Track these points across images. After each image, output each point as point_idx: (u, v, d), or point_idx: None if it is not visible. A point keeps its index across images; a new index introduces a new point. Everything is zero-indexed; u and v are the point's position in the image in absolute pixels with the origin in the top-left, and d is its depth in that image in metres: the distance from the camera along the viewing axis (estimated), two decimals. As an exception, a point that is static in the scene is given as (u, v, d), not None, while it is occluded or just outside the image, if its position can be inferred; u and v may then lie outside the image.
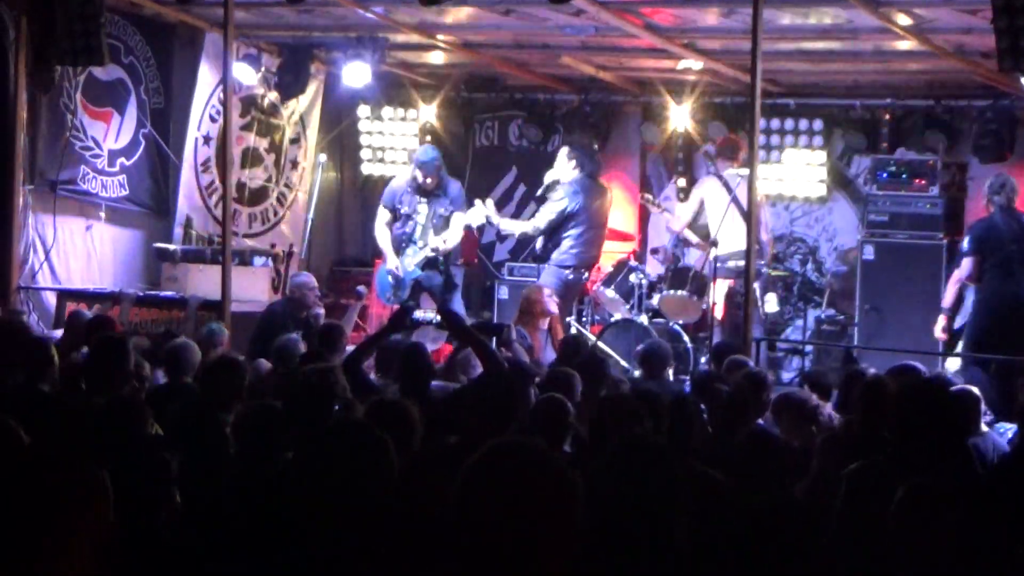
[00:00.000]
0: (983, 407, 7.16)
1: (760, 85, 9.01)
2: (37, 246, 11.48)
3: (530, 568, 2.29)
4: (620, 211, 13.20)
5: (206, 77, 12.51)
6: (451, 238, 11.35)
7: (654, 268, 12.15)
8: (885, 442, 5.06)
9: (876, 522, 3.92)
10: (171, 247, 12.02)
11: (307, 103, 13.61)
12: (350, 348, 8.19)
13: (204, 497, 4.62)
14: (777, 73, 12.11)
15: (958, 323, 10.95)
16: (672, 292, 11.34)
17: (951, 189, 12.06)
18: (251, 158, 13.20)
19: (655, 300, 11.41)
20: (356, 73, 11.99)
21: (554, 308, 10.63)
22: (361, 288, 11.49)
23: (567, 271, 11.37)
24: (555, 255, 11.40)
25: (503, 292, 12.59)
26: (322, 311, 10.61)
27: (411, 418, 4.84)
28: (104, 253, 12.11)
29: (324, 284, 11.89)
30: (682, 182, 13.31)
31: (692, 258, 12.22)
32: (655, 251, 12.52)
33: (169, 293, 11.47)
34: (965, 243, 10.61)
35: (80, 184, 11.77)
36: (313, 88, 13.37)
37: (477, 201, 11.48)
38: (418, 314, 11.02)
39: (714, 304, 11.08)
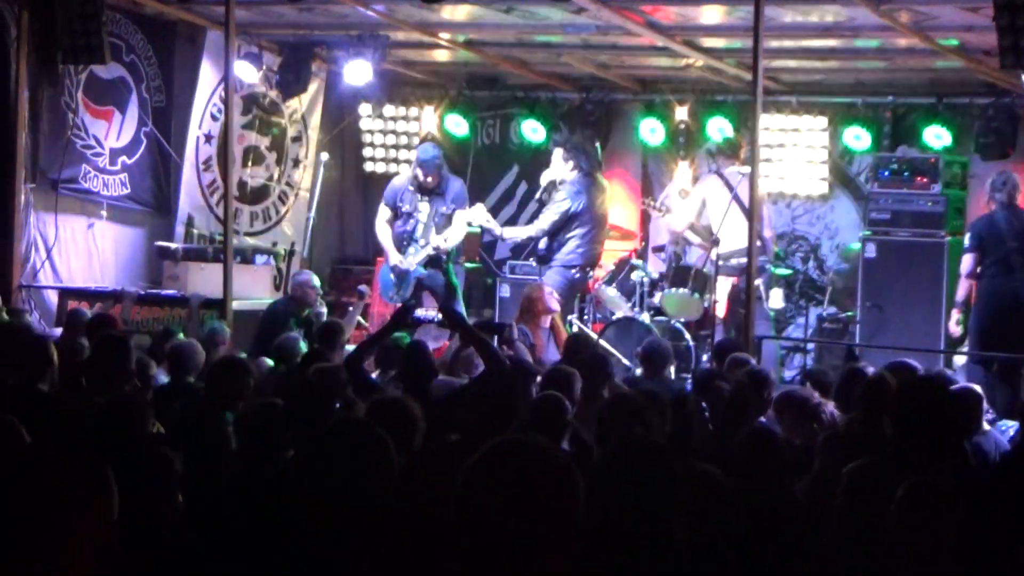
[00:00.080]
0: (984, 406, 7.16)
1: (762, 83, 9.01)
2: (39, 245, 11.49)
3: (531, 567, 2.29)
4: (622, 209, 13.20)
5: (207, 75, 12.51)
6: (453, 236, 11.35)
7: (656, 266, 12.15)
8: (887, 440, 5.05)
9: (875, 521, 3.92)
10: (172, 246, 12.02)
11: (308, 101, 13.60)
12: (350, 348, 8.19)
13: (205, 496, 4.62)
14: (779, 71, 12.10)
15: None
16: (673, 290, 11.34)
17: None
18: (252, 156, 13.20)
19: (657, 298, 11.41)
20: (357, 71, 11.99)
21: (556, 306, 10.63)
22: (363, 288, 11.50)
23: (573, 270, 11.39)
24: (560, 255, 11.41)
25: (504, 290, 12.58)
26: (324, 310, 10.62)
27: (413, 416, 4.84)
28: (105, 252, 12.12)
29: (326, 282, 11.88)
30: (682, 182, 13.27)
31: (693, 256, 12.21)
32: (658, 249, 12.51)
33: (170, 292, 11.47)
34: (966, 240, 10.61)
35: (81, 183, 11.78)
36: (314, 86, 13.36)
37: (478, 204, 11.51)
38: (420, 312, 11.07)
39: (716, 302, 11.08)
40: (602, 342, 10.73)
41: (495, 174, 14.07)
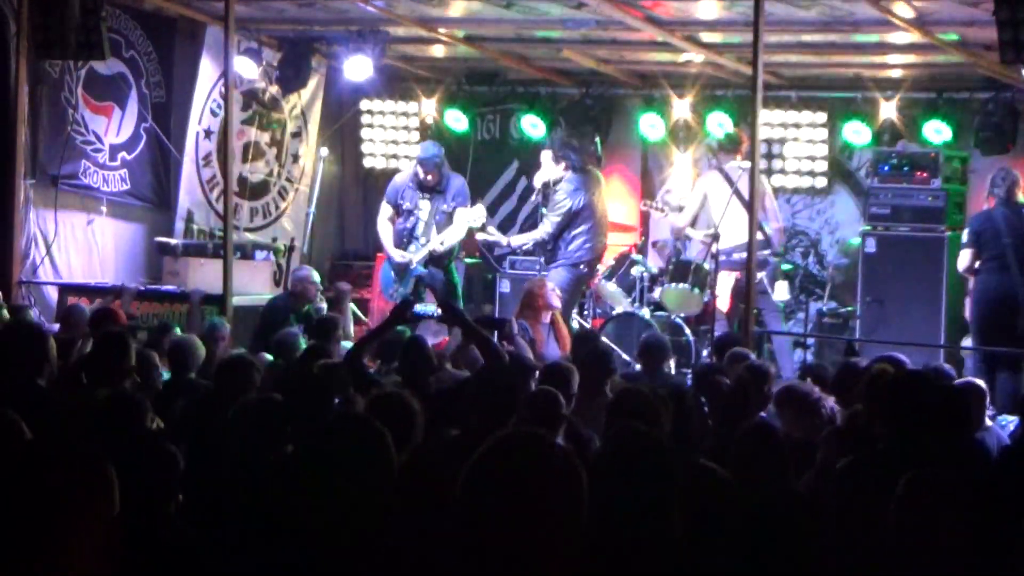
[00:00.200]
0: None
1: (762, 77, 9.00)
2: (38, 240, 11.49)
3: (534, 560, 2.28)
4: (622, 204, 13.19)
5: (207, 71, 12.50)
6: (452, 236, 11.36)
7: (655, 261, 12.15)
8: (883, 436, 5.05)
9: (873, 515, 3.91)
10: (172, 241, 12.02)
11: (308, 97, 13.60)
12: (347, 345, 8.20)
13: (206, 492, 4.62)
14: (779, 66, 12.09)
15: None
16: (673, 285, 11.34)
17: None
18: (252, 152, 13.19)
19: (656, 293, 11.41)
20: (357, 67, 11.98)
21: (556, 302, 10.62)
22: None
23: (582, 266, 11.42)
24: (566, 253, 11.43)
25: (504, 286, 12.58)
26: (324, 305, 10.62)
27: (412, 411, 4.84)
28: (105, 247, 12.12)
29: (325, 278, 11.88)
30: (682, 181, 13.27)
31: (693, 251, 12.21)
32: (655, 243, 12.53)
33: (170, 287, 11.46)
34: (964, 235, 10.61)
35: (81, 178, 11.77)
36: (314, 82, 13.36)
37: (479, 205, 11.53)
38: (419, 308, 11.07)
39: (717, 297, 11.08)
40: (602, 338, 10.73)
41: (495, 169, 14.07)
